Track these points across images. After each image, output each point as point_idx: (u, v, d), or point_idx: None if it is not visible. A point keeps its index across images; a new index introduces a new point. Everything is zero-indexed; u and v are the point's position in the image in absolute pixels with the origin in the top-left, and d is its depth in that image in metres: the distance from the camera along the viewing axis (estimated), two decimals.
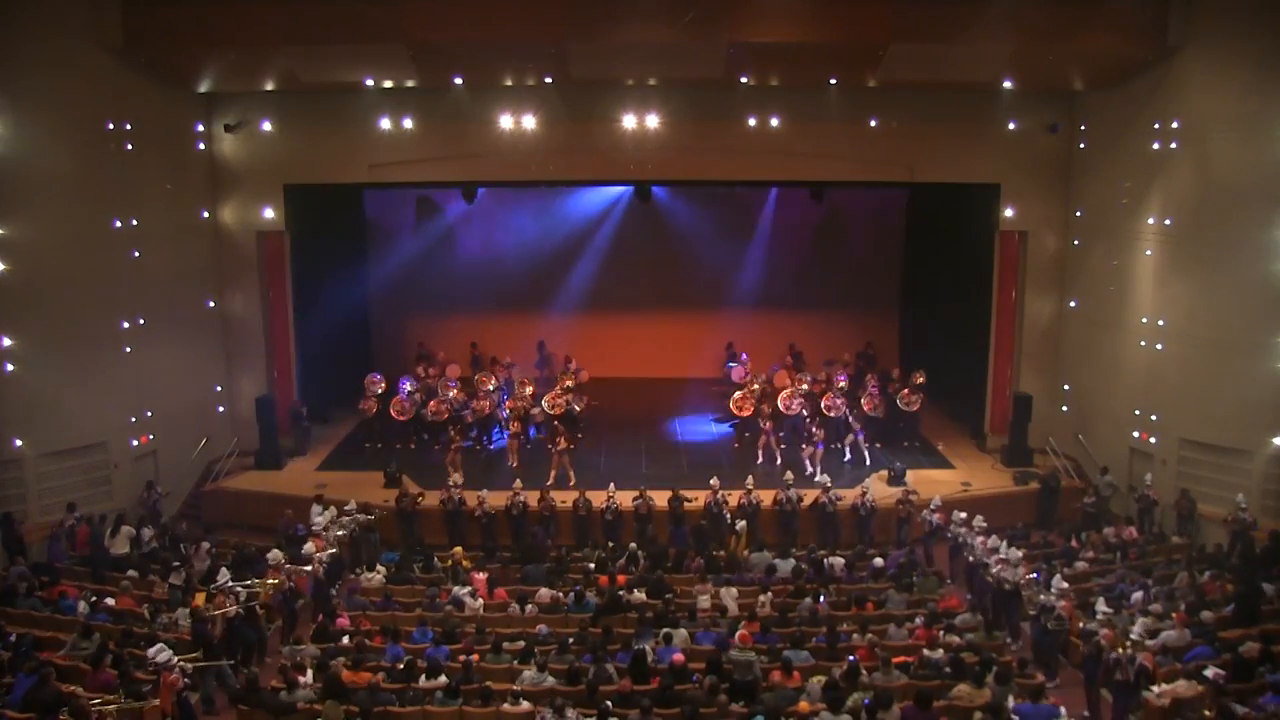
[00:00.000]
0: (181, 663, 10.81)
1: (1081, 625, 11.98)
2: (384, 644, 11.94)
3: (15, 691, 10.18)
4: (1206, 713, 10.01)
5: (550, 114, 18.59)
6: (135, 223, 16.98)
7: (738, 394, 20.13)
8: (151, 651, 10.83)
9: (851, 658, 11.12)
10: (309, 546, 14.06)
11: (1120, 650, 10.89)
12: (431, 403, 19.68)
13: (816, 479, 16.86)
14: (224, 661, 11.78)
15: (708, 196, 23.40)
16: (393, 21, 15.65)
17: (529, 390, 19.96)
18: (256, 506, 17.49)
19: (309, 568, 13.76)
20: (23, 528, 15.07)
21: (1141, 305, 17.28)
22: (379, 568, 14.63)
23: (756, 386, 20.14)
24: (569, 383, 20.40)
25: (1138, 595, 12.81)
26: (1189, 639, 11.72)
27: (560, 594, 13.54)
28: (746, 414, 19.68)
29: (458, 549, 15.11)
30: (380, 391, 20.04)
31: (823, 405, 19.28)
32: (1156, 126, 16.61)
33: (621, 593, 13.31)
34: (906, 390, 19.86)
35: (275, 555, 13.76)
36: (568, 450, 17.88)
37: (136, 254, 17.06)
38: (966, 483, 18.06)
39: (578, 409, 20.14)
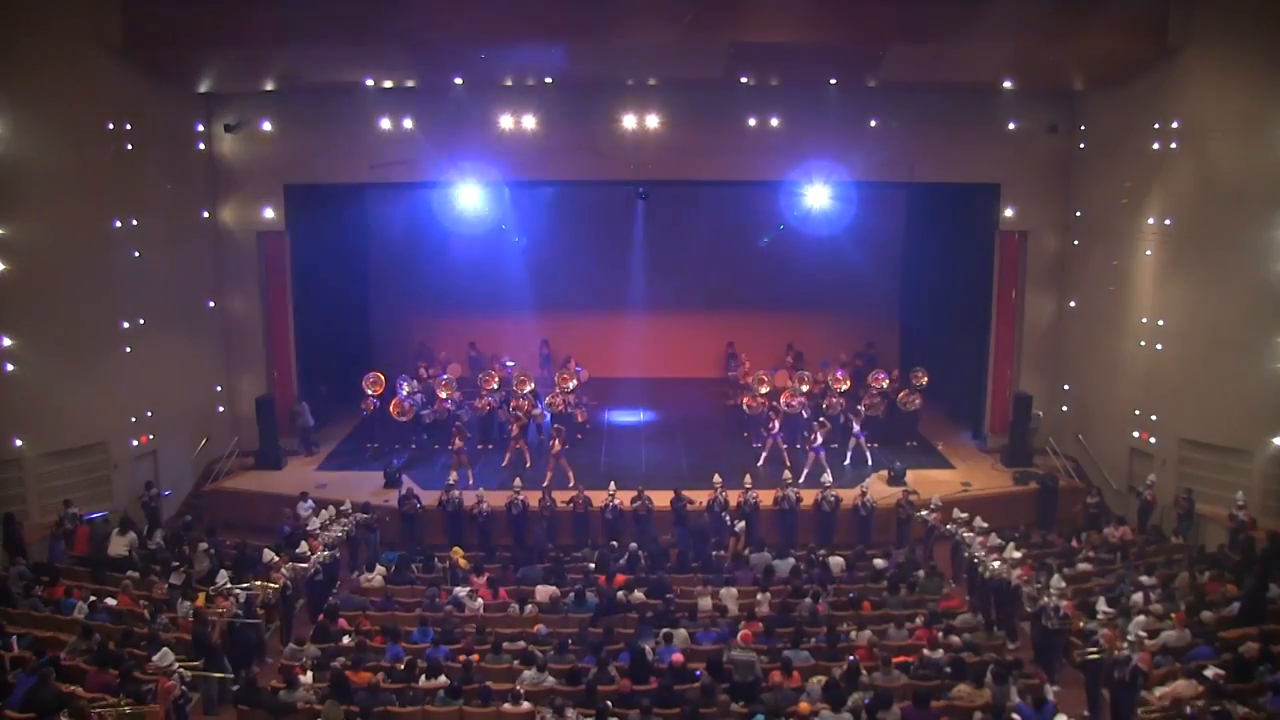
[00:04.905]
0: (180, 669, 10.79)
1: (1082, 625, 11.98)
2: (384, 644, 11.94)
3: (15, 691, 10.17)
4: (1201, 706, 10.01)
5: (550, 114, 18.59)
6: (135, 223, 16.97)
7: (745, 396, 20.15)
8: (156, 657, 10.80)
9: (851, 658, 11.12)
10: (304, 547, 14.03)
11: (1116, 650, 10.89)
12: (437, 401, 19.69)
13: (800, 480, 16.86)
14: (222, 674, 11.75)
15: (708, 196, 23.39)
16: (393, 21, 15.65)
17: (528, 388, 19.95)
18: (256, 506, 17.49)
19: (305, 566, 13.73)
20: (23, 528, 15.04)
21: (1141, 305, 17.27)
22: (379, 567, 14.62)
23: (765, 388, 20.11)
24: (570, 383, 20.38)
25: (1138, 597, 12.81)
26: (1189, 639, 11.73)
27: (557, 590, 13.54)
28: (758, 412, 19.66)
29: (456, 549, 15.12)
30: (379, 391, 19.98)
31: (823, 405, 19.33)
32: (1156, 126, 16.61)
33: (620, 593, 13.30)
34: (905, 391, 19.87)
35: (269, 555, 13.74)
36: (563, 452, 17.87)
37: (136, 254, 17.05)
38: (966, 483, 18.07)
39: (580, 417, 20.15)
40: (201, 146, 18.94)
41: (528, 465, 18.54)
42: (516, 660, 11.51)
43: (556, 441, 17.90)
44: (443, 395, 19.72)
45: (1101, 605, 12.13)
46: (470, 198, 20.53)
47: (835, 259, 24.03)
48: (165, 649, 10.93)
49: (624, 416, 21.84)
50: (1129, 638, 10.97)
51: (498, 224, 21.54)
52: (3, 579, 13.31)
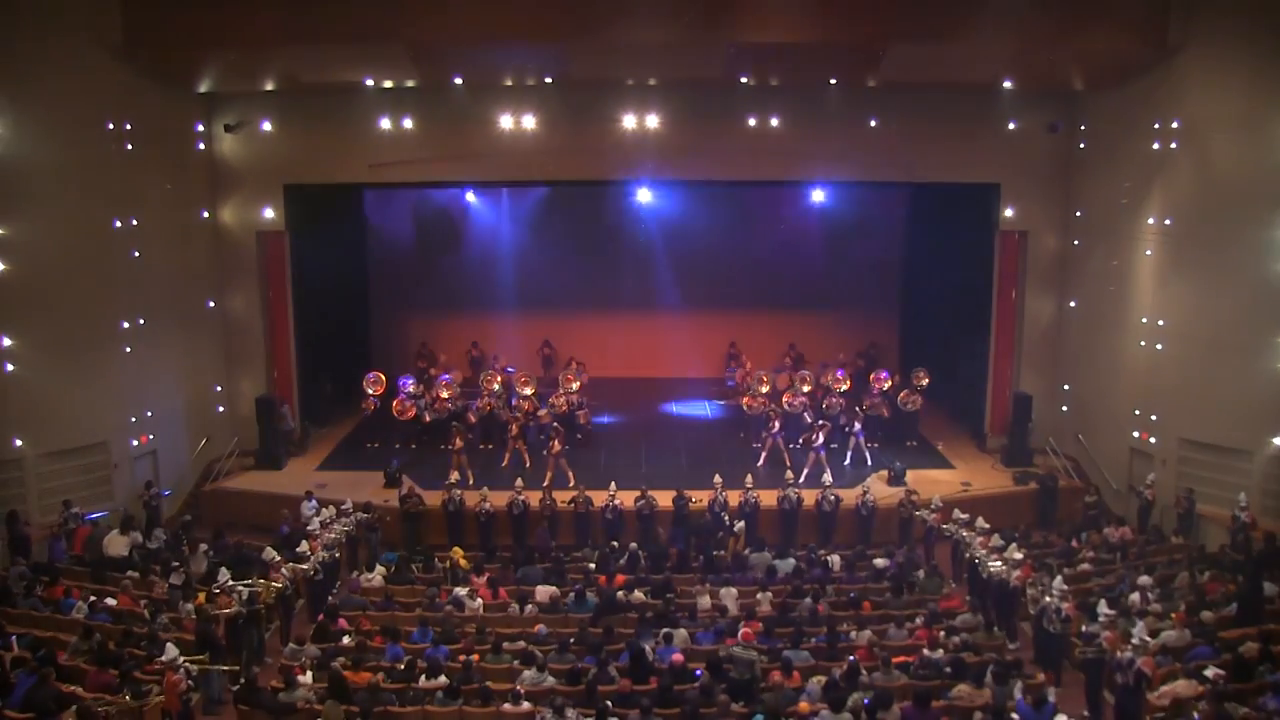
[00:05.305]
0: (186, 663, 10.80)
1: (1083, 628, 11.95)
2: (384, 644, 11.94)
3: (15, 691, 10.17)
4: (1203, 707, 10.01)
5: (550, 114, 18.60)
6: (135, 223, 16.96)
7: (745, 396, 20.22)
8: (165, 656, 10.81)
9: (851, 658, 11.12)
10: (304, 547, 14.03)
11: (1119, 653, 10.88)
12: (438, 402, 19.68)
13: (800, 480, 16.86)
14: (225, 667, 11.76)
15: (708, 196, 23.40)
16: (393, 21, 15.64)
17: (529, 390, 19.98)
18: (256, 506, 17.49)
19: (305, 567, 13.72)
20: (30, 527, 15.04)
21: (1141, 305, 17.27)
22: (379, 567, 14.62)
23: (765, 388, 20.12)
24: (573, 384, 20.36)
25: (1135, 597, 12.80)
26: (1189, 639, 11.73)
27: (558, 590, 13.54)
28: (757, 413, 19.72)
29: (456, 550, 15.12)
30: (379, 391, 19.96)
31: (823, 405, 19.37)
32: (1156, 126, 16.61)
33: (620, 593, 13.30)
34: (906, 391, 19.88)
35: (270, 554, 13.75)
36: (563, 452, 17.86)
37: (136, 254, 17.04)
38: (966, 483, 18.07)
39: (582, 418, 20.16)
40: (201, 146, 18.93)
41: (527, 465, 18.55)
42: (516, 660, 11.50)
43: (556, 443, 17.89)
44: (444, 395, 19.72)
45: (1103, 608, 12.13)
46: (470, 197, 20.60)
47: (835, 259, 24.11)
48: (170, 644, 10.94)
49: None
50: (1134, 641, 10.95)
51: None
52: (3, 579, 13.32)
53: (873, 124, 18.82)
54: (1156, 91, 16.64)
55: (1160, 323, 16.81)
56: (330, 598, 14.03)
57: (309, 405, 20.64)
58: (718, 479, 16.25)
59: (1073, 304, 19.45)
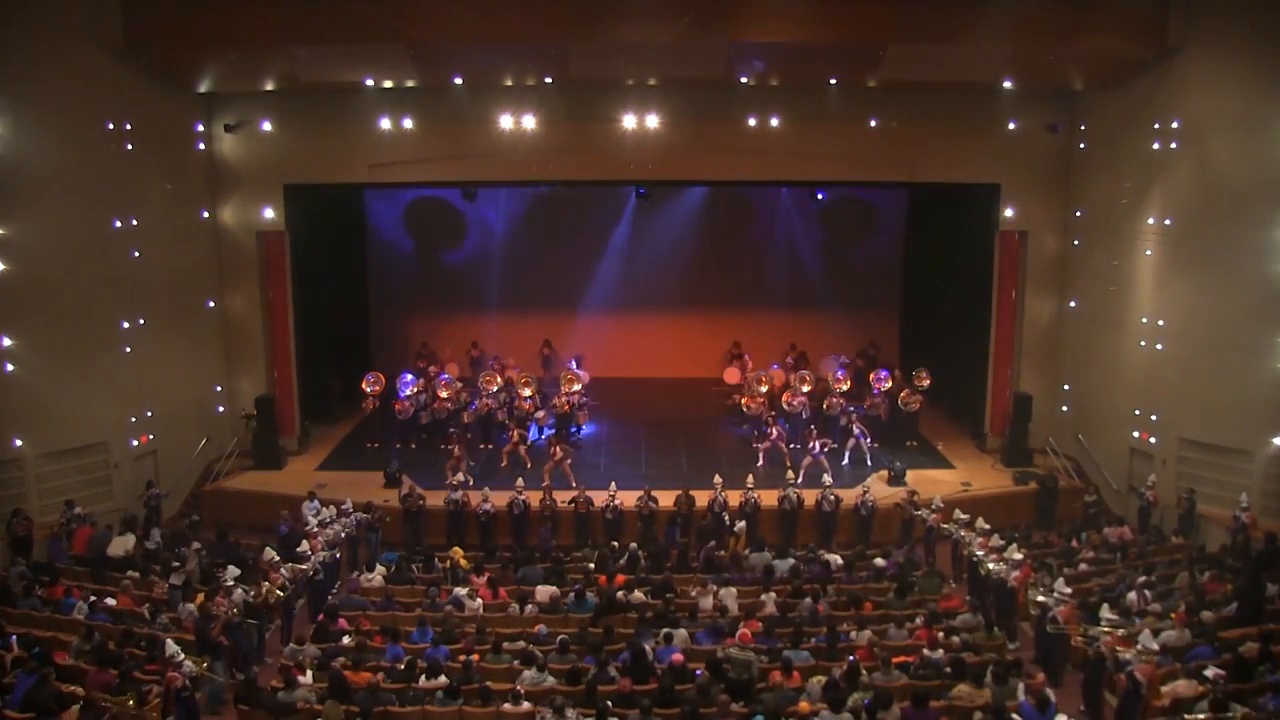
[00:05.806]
0: (188, 662, 10.80)
1: (1085, 632, 11.93)
2: (384, 644, 11.94)
3: (15, 691, 10.18)
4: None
5: (550, 114, 18.59)
6: (135, 223, 16.97)
7: (745, 397, 20.22)
8: (170, 652, 10.82)
9: (851, 658, 11.12)
10: (304, 546, 14.03)
11: (1119, 655, 10.87)
12: (437, 402, 19.69)
13: (798, 481, 16.87)
14: (221, 677, 11.75)
15: (708, 196, 23.41)
16: (393, 21, 15.64)
17: (529, 391, 19.96)
18: (256, 506, 17.48)
19: (305, 567, 13.72)
20: (33, 525, 15.04)
21: (1141, 305, 17.27)
22: (379, 567, 14.62)
23: (765, 388, 20.13)
24: (574, 385, 20.35)
25: (1132, 596, 12.79)
26: (1189, 639, 11.73)
27: (558, 590, 13.54)
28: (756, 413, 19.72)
29: (456, 550, 15.12)
30: (379, 391, 19.95)
31: (824, 405, 19.38)
32: (1156, 126, 16.61)
33: (620, 593, 13.30)
34: (906, 391, 19.88)
35: (269, 554, 13.75)
36: (565, 459, 17.85)
37: (136, 254, 17.05)
38: (966, 483, 18.07)
39: (582, 418, 20.14)
40: (201, 146, 18.93)
41: (528, 466, 18.54)
42: (516, 660, 11.50)
43: (558, 448, 17.88)
44: (443, 395, 19.71)
45: (1105, 612, 12.12)
46: (469, 198, 20.57)
47: (835, 259, 24.12)
48: (170, 642, 10.94)
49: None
50: (1137, 646, 10.92)
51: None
52: (3, 579, 13.32)
53: (873, 124, 18.81)
54: (1156, 91, 16.64)
55: (1160, 323, 16.81)
56: (330, 598, 14.04)
57: (313, 404, 20.64)
58: (718, 479, 16.26)
59: (1073, 304, 19.45)
